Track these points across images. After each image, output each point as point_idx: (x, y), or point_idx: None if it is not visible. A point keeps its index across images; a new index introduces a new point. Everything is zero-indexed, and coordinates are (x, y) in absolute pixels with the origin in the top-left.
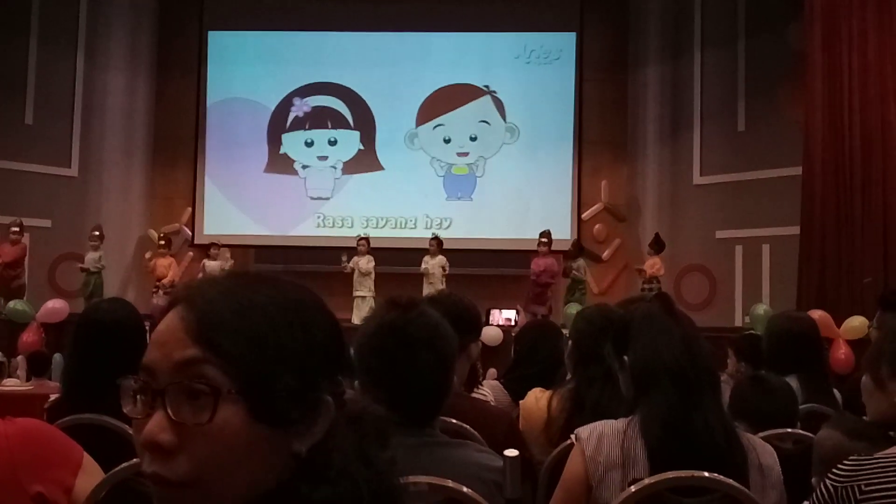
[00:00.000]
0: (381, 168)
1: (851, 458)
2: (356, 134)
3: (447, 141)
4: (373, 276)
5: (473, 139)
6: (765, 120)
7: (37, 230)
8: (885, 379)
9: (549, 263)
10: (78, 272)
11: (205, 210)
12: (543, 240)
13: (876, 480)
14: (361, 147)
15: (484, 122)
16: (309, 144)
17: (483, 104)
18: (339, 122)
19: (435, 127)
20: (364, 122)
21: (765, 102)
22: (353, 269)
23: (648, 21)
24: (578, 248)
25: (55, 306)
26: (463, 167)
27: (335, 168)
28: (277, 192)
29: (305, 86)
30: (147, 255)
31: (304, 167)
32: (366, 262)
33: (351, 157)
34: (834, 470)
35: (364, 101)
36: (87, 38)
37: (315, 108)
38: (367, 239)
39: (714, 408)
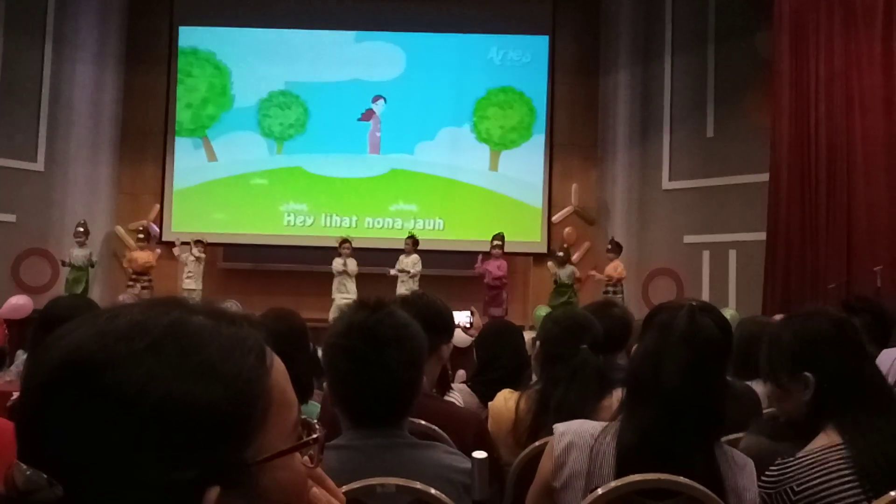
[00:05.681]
0: (354, 166)
1: (777, 462)
2: (329, 132)
3: (421, 140)
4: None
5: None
6: (733, 126)
7: (0, 225)
8: (786, 384)
9: (499, 265)
10: (44, 268)
11: (173, 206)
12: (497, 242)
13: (805, 479)
14: (334, 145)
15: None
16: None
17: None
18: (312, 119)
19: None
20: (338, 120)
21: (733, 109)
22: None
23: (620, 26)
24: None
25: (18, 302)
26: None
27: (307, 165)
28: (248, 189)
29: (279, 82)
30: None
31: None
32: (353, 265)
33: (324, 155)
34: (763, 478)
35: (337, 100)
36: (55, 29)
37: (287, 104)
38: (349, 241)
39: (702, 447)
